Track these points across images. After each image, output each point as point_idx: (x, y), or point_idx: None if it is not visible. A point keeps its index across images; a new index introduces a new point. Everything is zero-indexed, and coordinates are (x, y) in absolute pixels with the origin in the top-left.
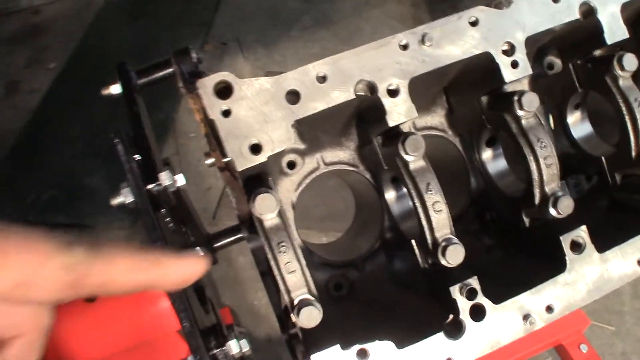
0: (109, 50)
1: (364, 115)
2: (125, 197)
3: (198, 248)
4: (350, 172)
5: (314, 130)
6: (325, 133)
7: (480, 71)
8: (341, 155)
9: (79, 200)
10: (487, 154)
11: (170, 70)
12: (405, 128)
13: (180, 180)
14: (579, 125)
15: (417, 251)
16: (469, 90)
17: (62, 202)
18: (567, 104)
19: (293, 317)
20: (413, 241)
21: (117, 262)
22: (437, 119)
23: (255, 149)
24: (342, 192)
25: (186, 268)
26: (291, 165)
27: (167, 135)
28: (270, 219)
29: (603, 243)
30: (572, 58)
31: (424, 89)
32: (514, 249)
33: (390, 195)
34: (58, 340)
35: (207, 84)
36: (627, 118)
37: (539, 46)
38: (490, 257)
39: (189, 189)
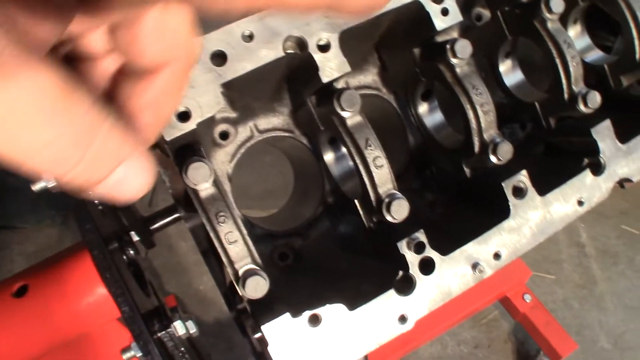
0: None
1: (295, 76)
2: (46, 180)
3: None
4: (286, 138)
5: (245, 97)
6: (257, 99)
7: (410, 22)
8: (275, 121)
9: (4, 201)
10: (423, 108)
11: None
12: (339, 86)
13: None
14: (510, 73)
15: (361, 211)
16: (400, 44)
17: None
18: (498, 53)
19: (239, 289)
20: (356, 201)
21: None
22: (370, 77)
23: (183, 116)
24: (279, 167)
25: None
26: (224, 135)
27: None
28: (205, 188)
29: (543, 187)
30: (500, 6)
31: (355, 46)
32: (457, 202)
33: (329, 157)
34: None
35: None
36: (557, 61)
37: None
38: (434, 213)
39: None
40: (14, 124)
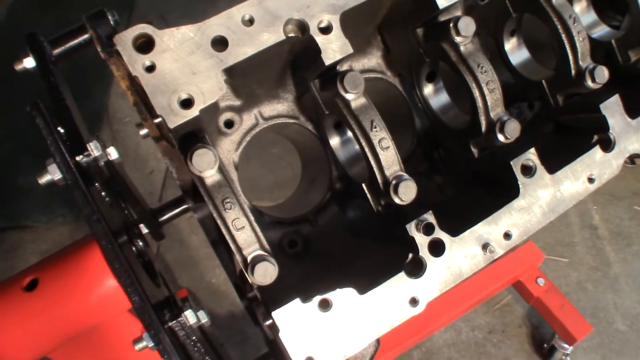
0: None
1: (298, 60)
2: (52, 173)
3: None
4: (291, 125)
5: (248, 84)
6: (261, 85)
7: (412, 1)
8: (280, 108)
9: (15, 202)
10: (428, 90)
11: (86, 36)
12: (342, 68)
13: (113, 153)
14: (516, 51)
15: (368, 195)
16: (403, 24)
17: None
18: (503, 32)
19: (248, 276)
20: (364, 185)
21: None
22: (374, 60)
23: (186, 103)
24: (287, 156)
25: None
26: (229, 124)
27: (102, 123)
28: (210, 175)
29: (553, 165)
30: None
31: (358, 28)
32: (466, 184)
33: (334, 141)
34: None
35: (125, 39)
36: (563, 36)
37: None
38: (443, 195)
39: (131, 174)
40: None
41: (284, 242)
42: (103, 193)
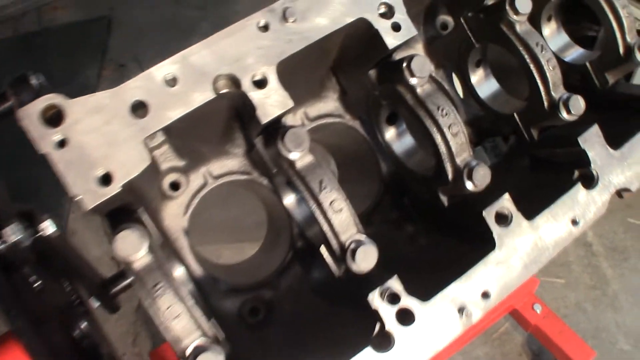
0: None
1: (241, 114)
2: None
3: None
4: (245, 181)
5: (189, 143)
6: (205, 143)
7: (361, 42)
8: (230, 164)
9: None
10: (390, 133)
11: (8, 104)
12: (290, 121)
13: (49, 227)
14: (483, 83)
15: (328, 260)
16: (357, 66)
17: None
18: (468, 63)
19: None
20: (322, 248)
21: None
22: (331, 104)
23: (105, 179)
24: (243, 216)
25: None
26: (174, 186)
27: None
28: (138, 259)
29: (531, 207)
30: (462, 12)
31: (307, 73)
32: (439, 233)
33: (288, 200)
34: None
35: (31, 113)
36: (532, 66)
37: (427, 5)
38: (414, 246)
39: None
40: None
41: (244, 310)
42: (33, 277)
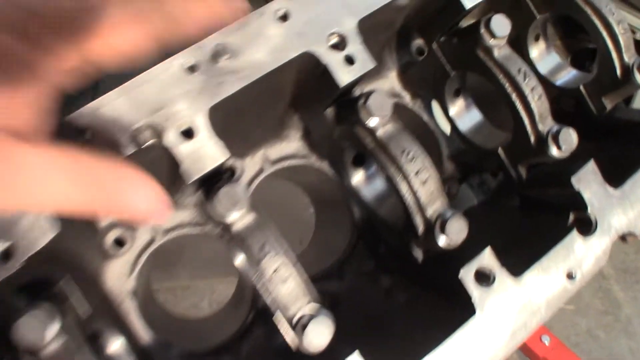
0: None
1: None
2: None
3: None
4: (201, 235)
5: None
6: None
7: (315, 77)
8: (181, 215)
9: None
10: (357, 177)
11: None
12: (248, 165)
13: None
14: (464, 115)
15: (282, 330)
16: (317, 101)
17: None
18: (445, 93)
19: None
20: (275, 316)
21: None
22: (294, 144)
23: (5, 255)
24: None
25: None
26: (119, 242)
27: None
28: (45, 345)
29: (519, 258)
30: (434, 37)
31: (262, 111)
32: (418, 288)
33: (238, 261)
34: None
35: None
36: (513, 96)
37: (398, 30)
38: (390, 303)
39: None
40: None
41: None
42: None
